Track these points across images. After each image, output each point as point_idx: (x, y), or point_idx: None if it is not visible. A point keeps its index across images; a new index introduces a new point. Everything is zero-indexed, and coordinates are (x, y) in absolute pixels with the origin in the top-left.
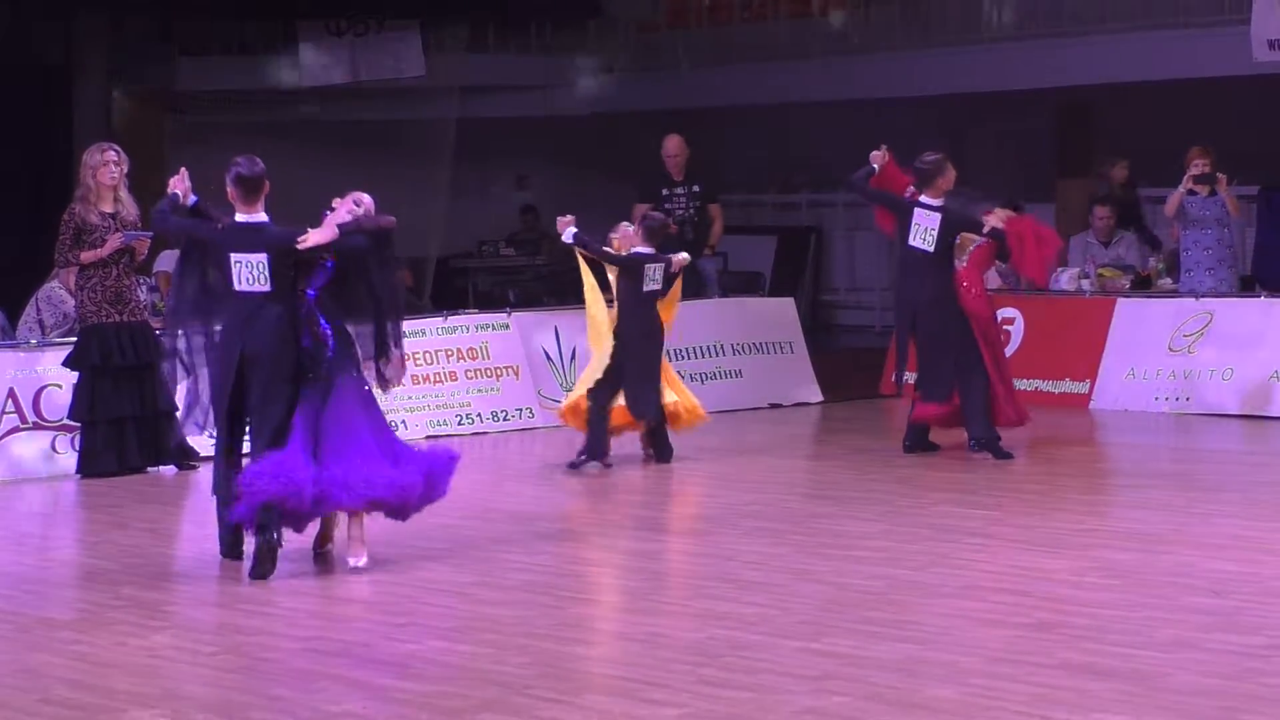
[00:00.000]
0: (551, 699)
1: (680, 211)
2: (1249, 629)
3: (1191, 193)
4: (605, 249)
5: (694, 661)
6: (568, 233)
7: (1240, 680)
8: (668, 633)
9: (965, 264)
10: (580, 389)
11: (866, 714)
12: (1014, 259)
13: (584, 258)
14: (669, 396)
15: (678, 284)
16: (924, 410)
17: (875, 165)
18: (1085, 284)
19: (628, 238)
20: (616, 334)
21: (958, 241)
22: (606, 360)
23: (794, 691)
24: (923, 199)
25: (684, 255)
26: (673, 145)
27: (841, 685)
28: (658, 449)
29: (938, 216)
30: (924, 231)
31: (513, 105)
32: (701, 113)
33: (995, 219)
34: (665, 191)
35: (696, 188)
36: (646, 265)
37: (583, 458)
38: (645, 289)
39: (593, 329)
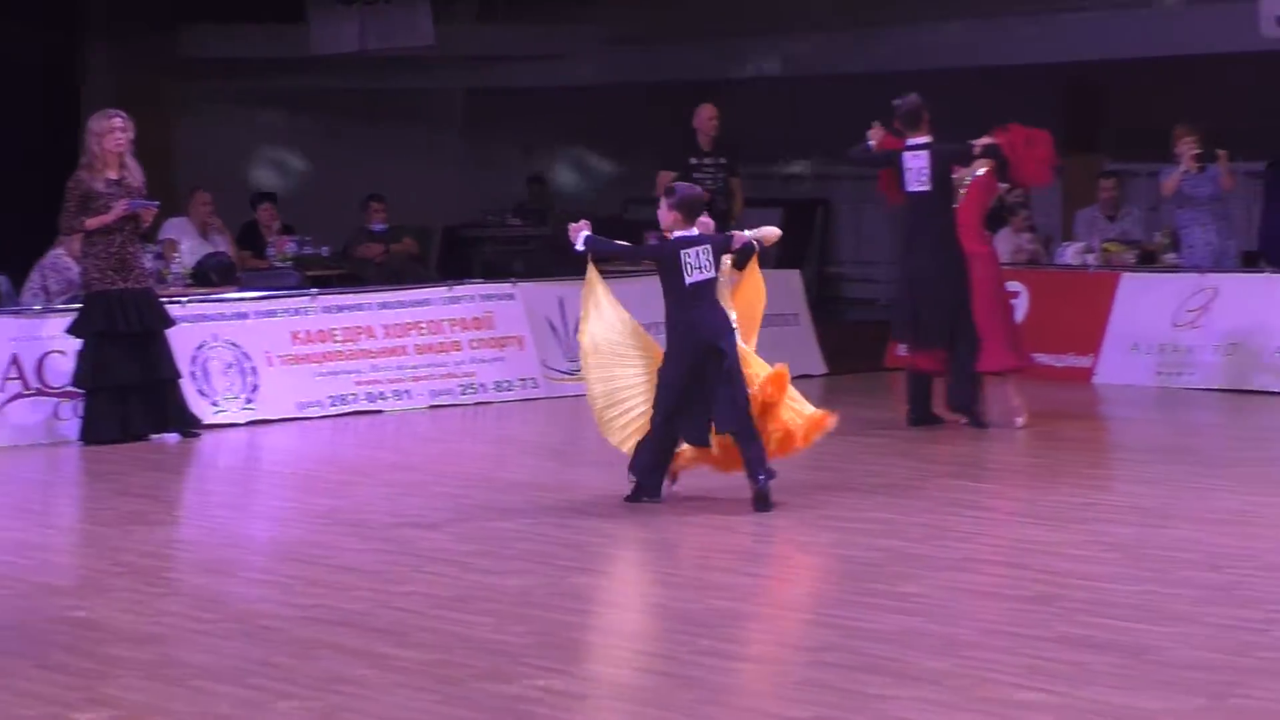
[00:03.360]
0: (550, 668)
1: (709, 183)
2: (1246, 603)
3: (1185, 171)
4: (624, 244)
5: (693, 632)
6: (580, 238)
7: (1237, 655)
8: (667, 603)
9: (964, 197)
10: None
11: (864, 685)
12: (1013, 172)
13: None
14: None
15: (753, 266)
16: (920, 361)
17: (872, 142)
18: (1090, 258)
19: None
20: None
21: (955, 178)
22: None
23: (792, 663)
24: (909, 142)
25: (758, 232)
26: (706, 114)
27: (839, 656)
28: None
29: (925, 153)
30: (916, 172)
31: (522, 75)
32: (710, 84)
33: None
34: (694, 161)
35: (723, 160)
36: (683, 251)
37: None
38: (689, 281)
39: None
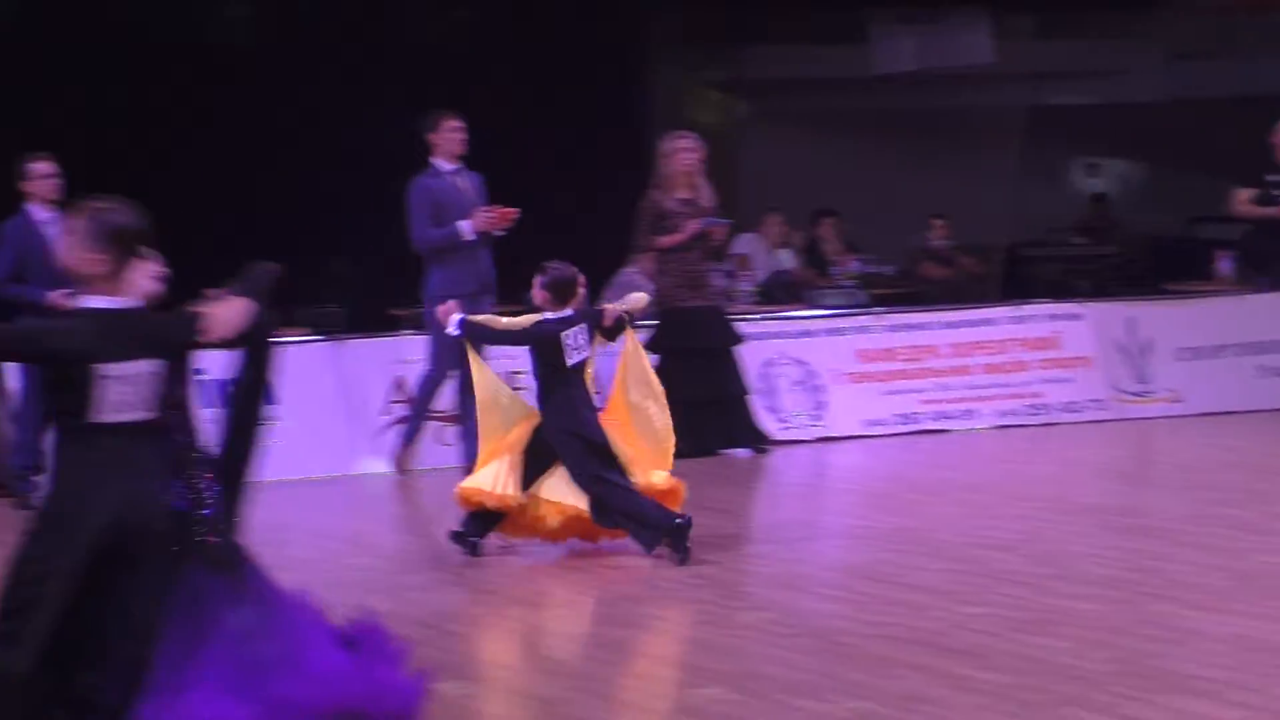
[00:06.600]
0: (1133, 697)
1: None
2: None
3: None
4: (499, 326)
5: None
6: (452, 323)
7: None
8: (1251, 634)
9: None
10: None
11: None
12: None
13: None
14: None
15: (631, 338)
16: None
17: None
18: None
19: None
20: (542, 427)
21: None
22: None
23: None
24: None
25: (625, 302)
26: None
27: None
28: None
29: None
30: None
31: (1083, 92)
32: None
33: None
34: (1272, 178)
35: None
36: (563, 334)
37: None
38: (570, 362)
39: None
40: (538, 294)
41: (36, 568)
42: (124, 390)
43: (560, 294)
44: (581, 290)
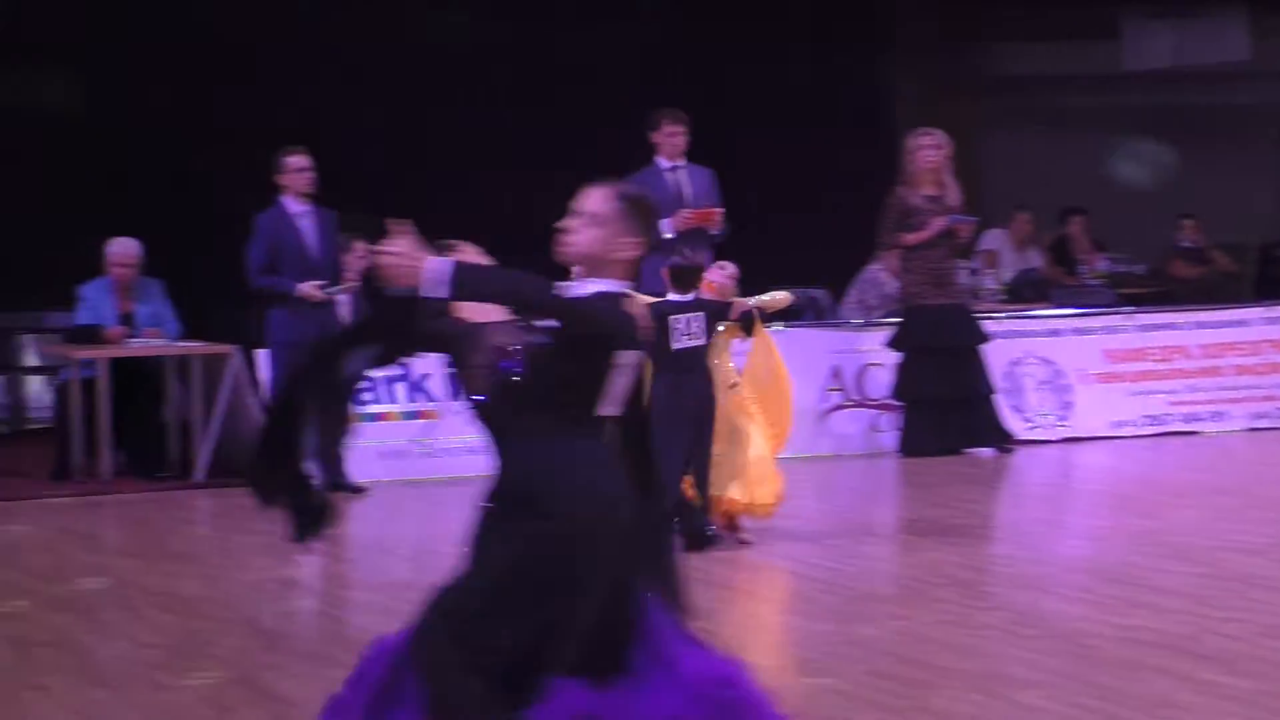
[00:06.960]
0: None
1: None
2: None
3: None
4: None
5: None
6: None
7: None
8: None
9: None
10: None
11: None
12: None
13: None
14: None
15: (760, 335)
16: None
17: None
18: None
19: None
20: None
21: None
22: None
23: None
24: None
25: (761, 299)
26: None
27: None
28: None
29: None
30: None
31: None
32: None
33: None
34: None
35: None
36: (672, 316)
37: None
38: (675, 346)
39: None
40: (663, 273)
41: (553, 569)
42: (622, 381)
43: (679, 280)
44: (712, 281)
